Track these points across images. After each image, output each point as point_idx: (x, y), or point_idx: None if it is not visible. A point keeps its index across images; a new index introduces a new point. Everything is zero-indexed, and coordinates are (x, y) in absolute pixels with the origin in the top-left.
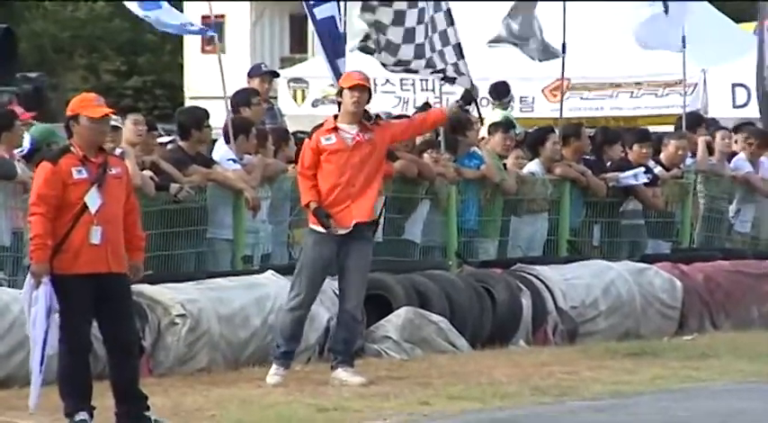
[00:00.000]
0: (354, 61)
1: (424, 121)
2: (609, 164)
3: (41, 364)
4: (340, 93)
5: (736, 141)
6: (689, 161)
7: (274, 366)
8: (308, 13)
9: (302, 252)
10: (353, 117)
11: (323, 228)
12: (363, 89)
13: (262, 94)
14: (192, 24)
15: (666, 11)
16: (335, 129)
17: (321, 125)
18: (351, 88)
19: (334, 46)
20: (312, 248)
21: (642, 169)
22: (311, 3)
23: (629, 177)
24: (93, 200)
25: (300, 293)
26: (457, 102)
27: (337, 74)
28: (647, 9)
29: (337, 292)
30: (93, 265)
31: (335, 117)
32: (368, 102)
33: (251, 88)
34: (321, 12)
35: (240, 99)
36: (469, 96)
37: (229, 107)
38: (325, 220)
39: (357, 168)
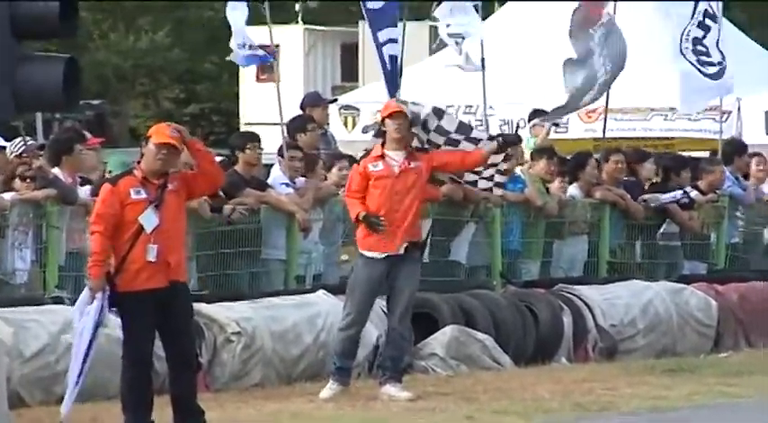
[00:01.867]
0: (407, 91)
1: (463, 160)
2: (647, 186)
3: (79, 375)
4: (383, 122)
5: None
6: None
7: (330, 381)
8: (376, 51)
9: (352, 273)
10: (399, 143)
11: (375, 231)
12: (402, 115)
13: (321, 121)
14: (251, 47)
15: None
16: (383, 156)
17: (370, 152)
18: (390, 117)
19: (395, 80)
20: (362, 270)
21: (680, 192)
22: (380, 42)
23: (668, 199)
24: (148, 220)
25: (351, 313)
26: (497, 142)
27: None
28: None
29: (386, 311)
30: (152, 281)
31: (383, 145)
32: (409, 127)
33: (307, 115)
34: (389, 50)
35: (297, 125)
36: (512, 139)
37: (285, 133)
38: (375, 220)
39: (402, 194)
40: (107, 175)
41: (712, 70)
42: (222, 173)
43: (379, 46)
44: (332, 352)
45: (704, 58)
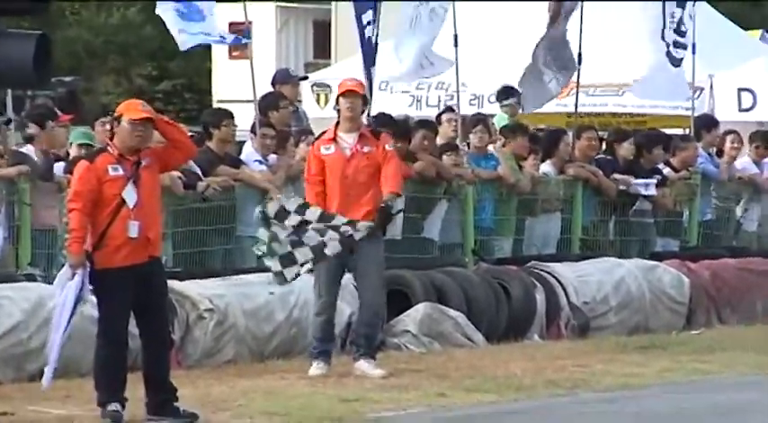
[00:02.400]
0: (381, 70)
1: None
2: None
3: (60, 346)
4: (337, 101)
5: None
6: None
7: (315, 362)
8: (357, 33)
9: None
10: (351, 124)
11: None
12: (355, 95)
13: (292, 98)
14: (223, 37)
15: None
16: (335, 139)
17: (324, 133)
18: (343, 95)
19: (372, 59)
20: None
21: (654, 180)
22: (363, 24)
23: (640, 185)
24: (130, 195)
25: (322, 296)
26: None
27: (370, 82)
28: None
29: (357, 287)
30: (132, 258)
31: (337, 125)
32: (363, 107)
33: (278, 92)
34: (368, 32)
35: (269, 103)
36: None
37: (257, 110)
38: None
39: (352, 178)
40: (70, 150)
41: (681, 54)
42: (193, 142)
43: (362, 27)
44: (311, 337)
45: (679, 39)
